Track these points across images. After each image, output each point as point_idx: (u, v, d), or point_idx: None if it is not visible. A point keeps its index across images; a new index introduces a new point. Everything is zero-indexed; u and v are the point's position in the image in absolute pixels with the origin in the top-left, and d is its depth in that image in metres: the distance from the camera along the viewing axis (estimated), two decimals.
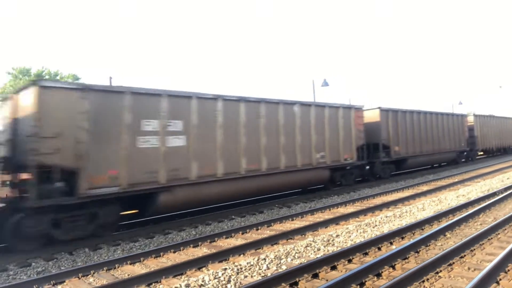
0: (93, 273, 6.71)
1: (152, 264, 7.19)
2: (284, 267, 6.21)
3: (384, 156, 18.67)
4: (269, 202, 13.29)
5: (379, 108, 19.03)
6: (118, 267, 7.02)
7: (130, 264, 7.22)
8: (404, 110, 20.85)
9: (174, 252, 7.88)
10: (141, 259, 7.41)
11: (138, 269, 6.97)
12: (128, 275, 6.59)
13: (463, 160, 28.15)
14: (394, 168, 19.97)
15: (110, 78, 29.55)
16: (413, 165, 21.31)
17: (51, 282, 6.30)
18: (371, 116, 18.96)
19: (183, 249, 8.03)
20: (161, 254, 7.71)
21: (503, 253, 5.78)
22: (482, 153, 33.25)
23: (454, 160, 26.24)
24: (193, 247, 8.21)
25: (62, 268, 7.22)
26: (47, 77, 39.06)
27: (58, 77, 40.32)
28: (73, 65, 76.52)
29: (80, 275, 6.59)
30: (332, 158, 15.07)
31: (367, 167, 18.39)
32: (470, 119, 28.94)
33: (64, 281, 6.41)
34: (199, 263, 6.79)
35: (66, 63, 71.73)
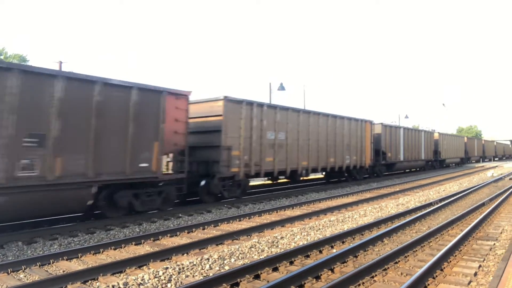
0: (25, 269, 6.33)
1: (90, 261, 6.91)
2: (227, 268, 6.22)
3: None
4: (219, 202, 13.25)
5: None
6: (53, 263, 6.68)
7: (67, 260, 6.89)
8: None
9: (115, 249, 7.63)
10: (79, 255, 7.11)
11: (75, 265, 6.67)
12: (64, 271, 6.29)
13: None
14: None
15: (60, 62, 28.14)
16: None
17: None
18: None
19: (124, 246, 7.79)
20: (101, 250, 7.44)
21: (432, 260, 6.15)
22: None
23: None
24: (136, 244, 8.00)
25: None
26: None
27: (2, 57, 37.75)
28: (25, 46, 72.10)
29: (9, 270, 6.19)
30: None
31: None
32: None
33: None
34: (140, 261, 6.62)
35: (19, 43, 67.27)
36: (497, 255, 6.95)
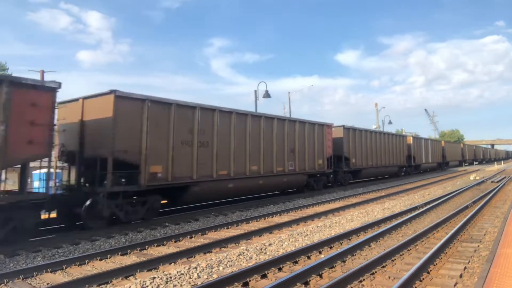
0: (7, 282, 6.17)
1: (75, 272, 6.78)
2: (215, 276, 6.17)
3: None
4: (206, 210, 13.18)
5: None
6: (36, 276, 6.54)
7: (51, 272, 6.75)
8: None
9: (101, 260, 7.51)
10: (64, 266, 6.97)
11: (59, 277, 6.54)
12: (47, 284, 6.16)
13: None
14: None
15: (43, 71, 27.75)
16: None
17: None
18: None
19: (110, 257, 7.67)
20: (86, 261, 7.31)
21: (419, 263, 6.22)
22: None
23: None
24: (122, 255, 7.88)
25: None
26: None
27: None
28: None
29: None
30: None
31: None
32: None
33: None
34: (126, 271, 6.52)
35: None
36: (481, 257, 7.07)
